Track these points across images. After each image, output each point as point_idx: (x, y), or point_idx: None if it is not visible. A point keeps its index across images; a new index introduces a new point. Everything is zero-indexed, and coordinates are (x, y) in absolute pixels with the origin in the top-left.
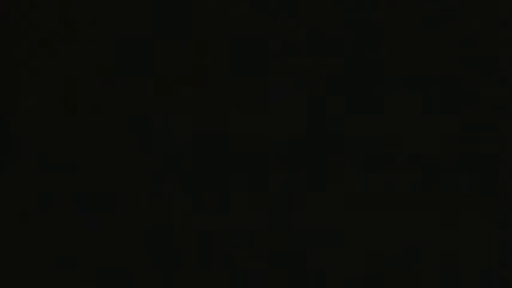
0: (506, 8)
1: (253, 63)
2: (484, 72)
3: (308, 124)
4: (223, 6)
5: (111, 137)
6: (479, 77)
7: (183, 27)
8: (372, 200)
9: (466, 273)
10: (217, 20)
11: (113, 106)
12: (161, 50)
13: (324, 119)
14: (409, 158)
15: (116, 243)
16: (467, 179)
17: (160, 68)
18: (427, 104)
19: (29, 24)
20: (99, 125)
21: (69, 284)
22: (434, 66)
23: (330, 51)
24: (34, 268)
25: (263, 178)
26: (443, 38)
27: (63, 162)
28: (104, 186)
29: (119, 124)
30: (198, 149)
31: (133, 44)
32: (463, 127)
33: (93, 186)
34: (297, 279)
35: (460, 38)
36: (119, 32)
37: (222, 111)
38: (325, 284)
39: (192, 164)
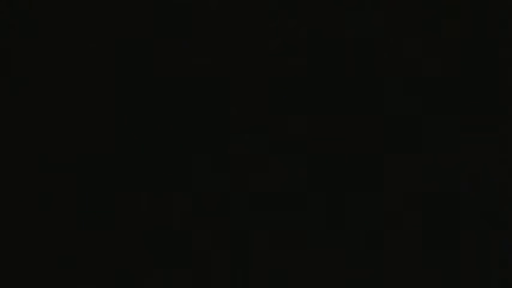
0: (506, 8)
1: (253, 63)
2: (485, 72)
3: (308, 124)
4: (224, 6)
5: (111, 136)
6: (480, 78)
7: (183, 27)
8: (373, 200)
9: (466, 273)
10: (218, 20)
11: (113, 106)
12: (161, 50)
13: (323, 119)
14: (407, 157)
15: (116, 243)
16: (468, 178)
17: (161, 68)
18: (427, 104)
19: (30, 23)
20: (99, 124)
21: (69, 284)
22: (433, 67)
23: (330, 51)
24: (34, 268)
25: (263, 178)
26: (443, 38)
27: (63, 162)
28: (104, 186)
29: (119, 124)
30: (198, 149)
31: (133, 44)
32: (463, 127)
33: (93, 186)
34: (297, 280)
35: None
36: (119, 32)
37: (222, 111)
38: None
39: (192, 163)
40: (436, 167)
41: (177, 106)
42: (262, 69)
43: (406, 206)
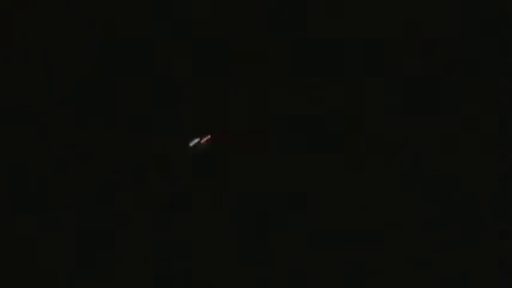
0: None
1: (253, 62)
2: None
3: (308, 123)
4: (224, 7)
5: (111, 136)
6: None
7: (183, 27)
8: (377, 199)
9: (465, 272)
10: (217, 20)
11: (113, 105)
12: (161, 50)
13: (322, 118)
14: (409, 158)
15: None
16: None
17: (161, 68)
18: (427, 105)
19: (30, 23)
20: (99, 124)
21: (68, 282)
22: (432, 67)
23: (329, 51)
24: (33, 266)
25: (262, 176)
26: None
27: (63, 162)
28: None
29: (118, 123)
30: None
31: (133, 44)
32: (463, 129)
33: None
34: (298, 280)
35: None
36: (118, 31)
37: (221, 111)
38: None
39: (191, 164)
40: (435, 170)
41: (177, 105)
42: (262, 69)
43: (405, 209)
